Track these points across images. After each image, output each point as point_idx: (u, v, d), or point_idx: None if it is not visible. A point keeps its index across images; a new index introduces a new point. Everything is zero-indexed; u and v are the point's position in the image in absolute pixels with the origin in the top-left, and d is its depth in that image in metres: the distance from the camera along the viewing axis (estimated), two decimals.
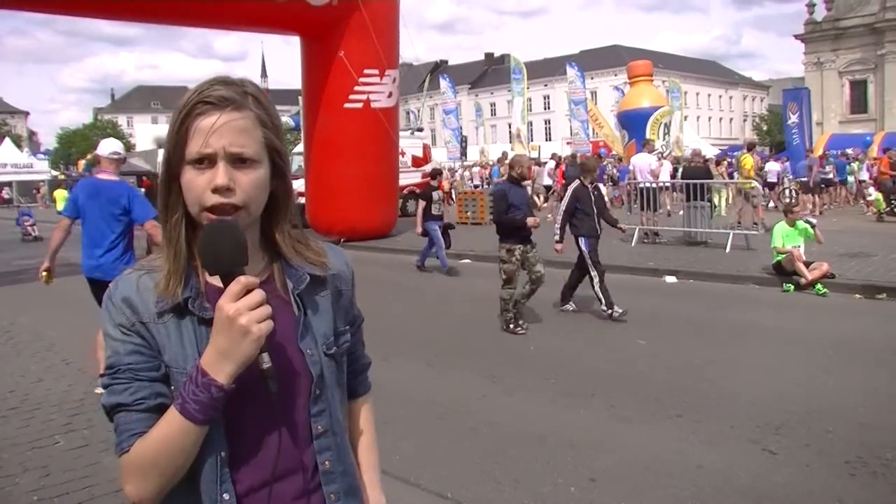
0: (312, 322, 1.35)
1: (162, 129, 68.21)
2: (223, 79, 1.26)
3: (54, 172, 57.86)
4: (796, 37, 56.43)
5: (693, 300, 9.52)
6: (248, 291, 1.15)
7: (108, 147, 5.93)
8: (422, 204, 12.39)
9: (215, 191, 1.20)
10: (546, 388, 5.96)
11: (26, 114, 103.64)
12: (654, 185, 15.09)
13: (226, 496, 1.23)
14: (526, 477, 4.28)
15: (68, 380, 6.43)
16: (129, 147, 75.77)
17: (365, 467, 1.52)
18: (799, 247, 9.85)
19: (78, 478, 4.26)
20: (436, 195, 12.49)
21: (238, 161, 1.22)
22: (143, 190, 34.61)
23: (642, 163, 16.23)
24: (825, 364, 6.41)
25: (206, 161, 1.20)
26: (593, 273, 8.70)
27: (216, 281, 1.22)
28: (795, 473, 4.20)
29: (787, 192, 21.31)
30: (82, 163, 73.80)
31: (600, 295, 8.51)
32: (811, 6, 55.26)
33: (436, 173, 13.95)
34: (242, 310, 1.13)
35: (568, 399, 5.66)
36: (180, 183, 1.24)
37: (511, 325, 7.92)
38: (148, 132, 63.37)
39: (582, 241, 8.83)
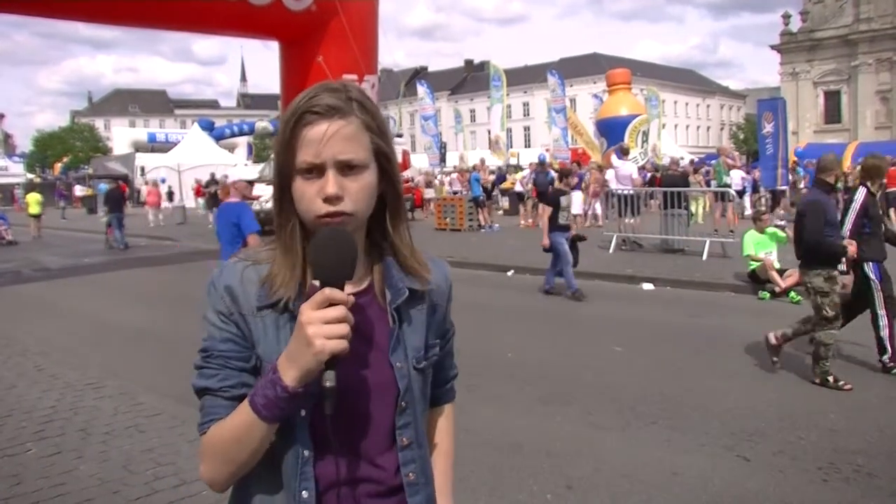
0: (406, 335, 1.37)
1: (140, 132, 67.80)
2: (328, 86, 1.28)
3: (30, 175, 57.24)
4: (773, 47, 57.19)
5: (670, 307, 9.58)
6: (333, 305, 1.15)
7: (243, 173, 7.18)
8: (547, 211, 10.36)
9: (326, 200, 1.22)
10: (523, 396, 5.97)
11: (1, 116, 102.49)
12: (634, 191, 15.22)
13: (304, 494, 1.27)
14: (502, 485, 4.28)
15: (41, 386, 6.34)
16: (106, 150, 75.22)
17: (438, 473, 1.51)
18: (771, 253, 9.96)
19: (49, 486, 4.20)
20: (564, 200, 10.40)
21: (346, 168, 1.24)
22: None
23: (626, 170, 16.37)
24: (798, 371, 6.47)
25: (315, 170, 1.23)
26: (881, 312, 6.36)
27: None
28: (769, 480, 4.24)
29: (761, 199, 21.58)
30: (59, 166, 73.25)
31: (887, 344, 6.31)
32: (787, 17, 56.11)
33: (565, 173, 11.74)
34: (314, 320, 1.13)
35: (545, 407, 5.68)
36: (292, 192, 1.26)
37: (831, 380, 5.95)
38: (125, 136, 62.67)
39: (870, 268, 6.47)
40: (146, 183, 34.90)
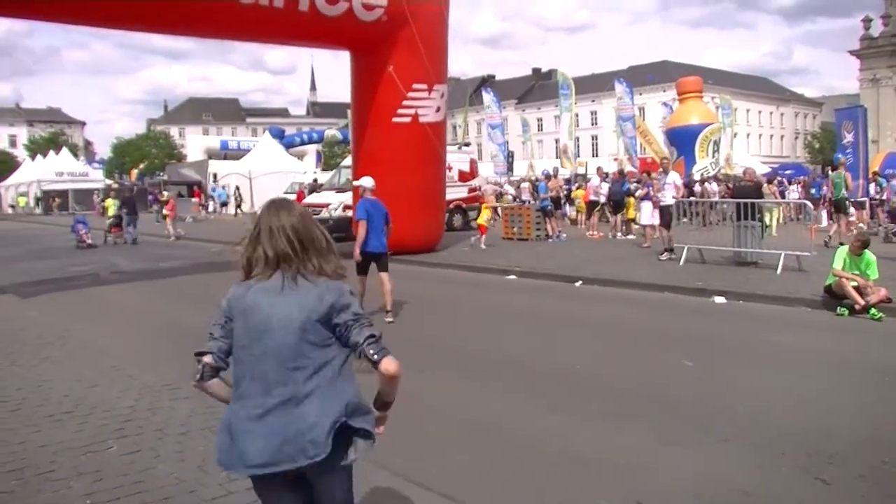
0: None
1: (213, 140, 69.99)
2: None
3: (108, 181, 59.31)
4: (852, 53, 55.35)
5: (742, 322, 9.34)
6: None
7: (366, 183, 9.86)
8: None
9: None
10: (590, 409, 5.91)
11: (83, 124, 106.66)
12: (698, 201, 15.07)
13: None
14: (570, 498, 4.24)
15: (119, 386, 6.56)
16: (180, 157, 77.55)
17: None
18: (856, 273, 9.49)
19: (129, 483, 4.34)
20: None
21: None
22: (194, 199, 35.02)
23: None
24: (880, 392, 6.23)
25: None
26: None
27: None
28: None
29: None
30: (135, 172, 75.82)
31: None
32: (867, 21, 54.18)
33: None
34: None
35: (613, 420, 5.60)
36: None
37: None
38: (198, 143, 64.60)
39: None
40: (171, 194, 34.67)
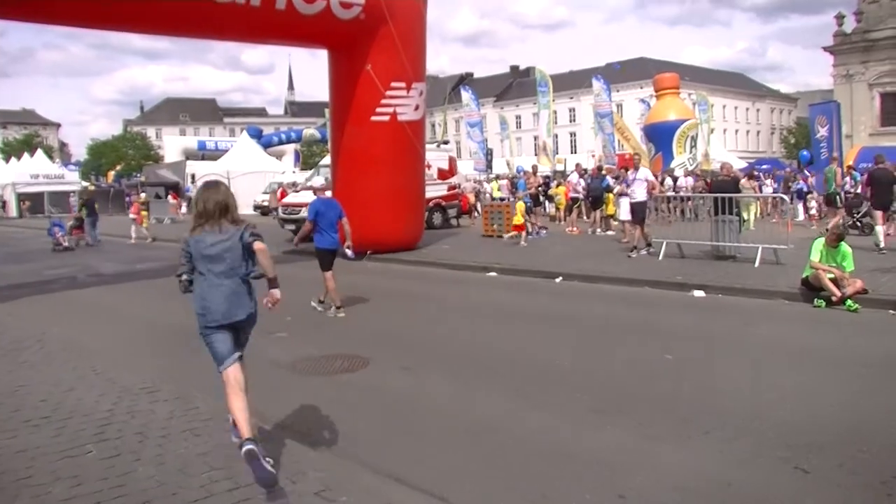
0: None
1: (190, 140, 69.11)
2: None
3: (84, 183, 58.58)
4: (825, 49, 55.84)
5: (721, 315, 9.42)
6: None
7: (316, 183, 11.48)
8: None
9: None
10: (574, 404, 5.92)
11: (58, 125, 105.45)
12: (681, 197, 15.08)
13: None
14: (553, 493, 4.25)
15: (98, 389, 6.48)
16: (157, 158, 76.85)
17: None
18: (833, 266, 9.58)
19: (109, 487, 4.28)
20: None
21: None
22: (172, 200, 34.76)
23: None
24: (857, 382, 6.31)
25: None
26: None
27: None
28: (828, 494, 4.13)
29: (812, 203, 20.90)
30: (112, 174, 75.01)
31: None
32: (840, 18, 54.69)
33: None
34: None
35: (595, 415, 5.62)
36: None
37: None
38: (176, 144, 64.00)
39: None
40: (136, 198, 33.67)
